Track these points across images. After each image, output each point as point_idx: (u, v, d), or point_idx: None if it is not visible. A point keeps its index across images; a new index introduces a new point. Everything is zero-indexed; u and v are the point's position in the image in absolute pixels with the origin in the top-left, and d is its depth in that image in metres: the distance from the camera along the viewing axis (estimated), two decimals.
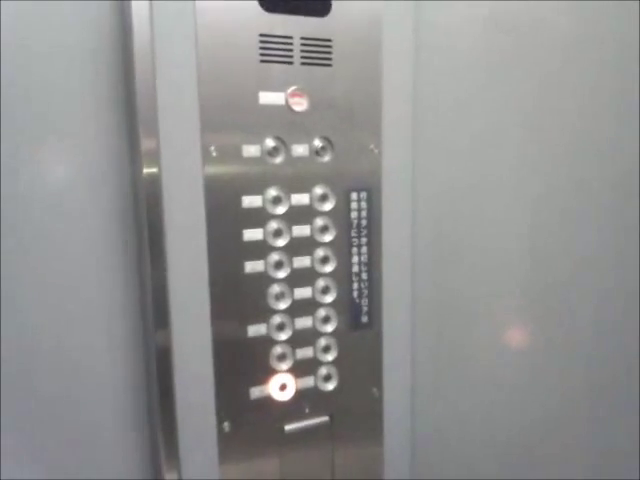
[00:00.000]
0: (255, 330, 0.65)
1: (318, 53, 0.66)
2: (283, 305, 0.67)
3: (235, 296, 0.64)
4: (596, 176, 0.71)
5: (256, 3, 0.62)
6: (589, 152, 0.72)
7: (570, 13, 0.71)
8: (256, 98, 0.63)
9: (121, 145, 0.60)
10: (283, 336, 0.67)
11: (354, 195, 0.70)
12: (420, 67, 0.72)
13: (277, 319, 0.66)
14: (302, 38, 0.64)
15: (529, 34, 0.71)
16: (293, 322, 0.67)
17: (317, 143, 0.67)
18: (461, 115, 0.74)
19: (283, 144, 0.65)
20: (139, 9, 0.55)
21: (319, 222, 0.68)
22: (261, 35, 0.62)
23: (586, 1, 0.71)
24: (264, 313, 0.66)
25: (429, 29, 0.72)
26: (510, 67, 0.72)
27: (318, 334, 0.69)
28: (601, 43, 0.71)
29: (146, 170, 0.57)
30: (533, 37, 0.71)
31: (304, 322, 0.68)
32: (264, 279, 0.65)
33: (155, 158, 0.58)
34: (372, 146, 0.70)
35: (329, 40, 0.66)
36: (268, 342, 0.66)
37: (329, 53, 0.66)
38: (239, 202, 0.63)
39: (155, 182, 0.58)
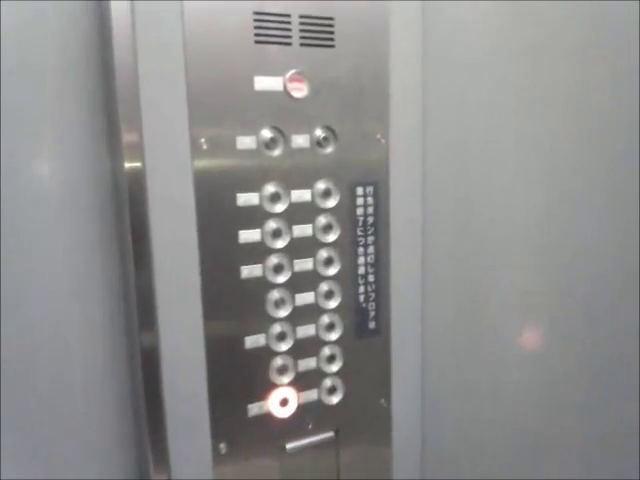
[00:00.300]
0: (253, 340, 0.61)
1: (319, 33, 0.61)
2: (283, 312, 0.62)
3: (230, 304, 0.60)
4: (603, 151, 0.67)
5: None
6: (596, 127, 0.68)
7: None
8: (251, 84, 0.58)
9: (102, 138, 0.55)
10: (284, 346, 0.63)
11: (360, 190, 0.66)
12: (428, 46, 0.68)
13: (277, 328, 0.62)
14: (301, 16, 0.60)
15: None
16: (294, 331, 0.63)
17: (319, 133, 0.62)
18: (472, 98, 0.70)
19: (281, 134, 0.60)
20: None
21: (322, 220, 0.64)
22: (255, 13, 0.57)
23: None
24: (263, 321, 0.61)
25: (437, 3, 0.67)
26: (522, 38, 0.67)
27: (322, 343, 0.65)
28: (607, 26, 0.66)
29: (128, 164, 0.53)
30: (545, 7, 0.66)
31: (306, 330, 0.64)
32: (262, 284, 0.61)
33: (138, 152, 0.53)
34: (379, 135, 0.66)
35: (331, 18, 0.61)
36: (267, 353, 0.62)
37: (331, 32, 0.61)
38: (234, 200, 0.59)
39: (139, 178, 0.54)
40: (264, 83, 0.59)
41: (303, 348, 0.64)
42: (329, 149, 0.63)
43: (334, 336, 0.65)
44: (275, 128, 0.60)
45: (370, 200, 0.66)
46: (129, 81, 0.52)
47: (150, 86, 0.53)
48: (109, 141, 0.55)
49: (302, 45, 0.60)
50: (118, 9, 0.50)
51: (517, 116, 0.67)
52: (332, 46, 0.62)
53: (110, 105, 0.54)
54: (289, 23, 0.59)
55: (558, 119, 0.63)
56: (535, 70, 0.63)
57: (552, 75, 0.63)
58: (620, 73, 0.59)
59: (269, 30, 0.58)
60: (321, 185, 0.63)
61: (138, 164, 0.53)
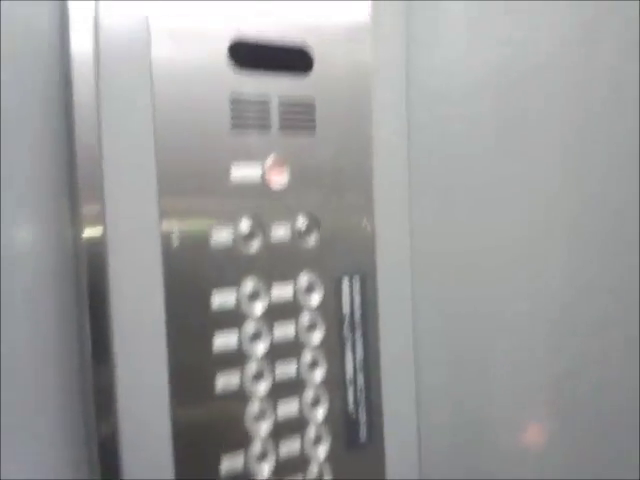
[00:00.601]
0: (230, 463, 0.54)
1: (299, 115, 0.58)
2: (264, 427, 0.56)
3: (204, 419, 0.53)
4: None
5: (226, 57, 0.54)
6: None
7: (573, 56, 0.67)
8: (228, 171, 0.54)
9: (64, 233, 0.50)
10: (266, 468, 0.56)
11: (345, 282, 0.61)
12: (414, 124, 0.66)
13: (257, 446, 0.55)
14: (280, 99, 0.57)
15: (534, 88, 0.66)
16: (277, 448, 0.56)
17: (300, 222, 0.59)
18: (461, 178, 0.68)
19: (260, 226, 0.56)
20: (82, 57, 0.46)
21: (305, 318, 0.59)
22: (232, 96, 0.54)
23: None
24: (241, 439, 0.55)
25: (423, 84, 0.66)
26: (517, 124, 0.67)
27: (308, 460, 0.58)
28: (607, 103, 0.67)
29: (89, 259, 0.47)
30: (538, 90, 0.66)
31: (291, 446, 0.57)
32: (240, 396, 0.55)
33: (101, 250, 0.48)
34: (364, 222, 0.63)
35: (311, 102, 0.59)
36: (247, 477, 0.55)
37: (312, 116, 0.59)
38: (208, 299, 0.53)
39: (101, 282, 0.48)
40: (241, 170, 0.55)
41: (288, 468, 0.57)
42: (311, 239, 0.59)
43: (321, 450, 0.59)
44: (253, 219, 0.56)
45: (357, 293, 0.62)
46: (92, 169, 0.47)
47: (115, 175, 0.49)
48: (71, 241, 0.50)
49: (281, 130, 0.57)
50: (81, 88, 0.46)
51: (520, 200, 0.65)
52: (313, 130, 0.59)
53: (72, 199, 0.49)
54: (268, 106, 0.56)
55: (564, 215, 0.61)
56: (541, 156, 0.62)
57: (569, 155, 0.62)
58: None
59: (247, 113, 0.55)
60: (304, 278, 0.59)
61: (100, 264, 0.48)
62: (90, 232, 0.48)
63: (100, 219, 0.48)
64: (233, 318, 0.54)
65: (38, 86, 0.49)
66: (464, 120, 0.65)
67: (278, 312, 0.56)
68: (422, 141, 0.66)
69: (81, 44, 0.47)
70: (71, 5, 0.46)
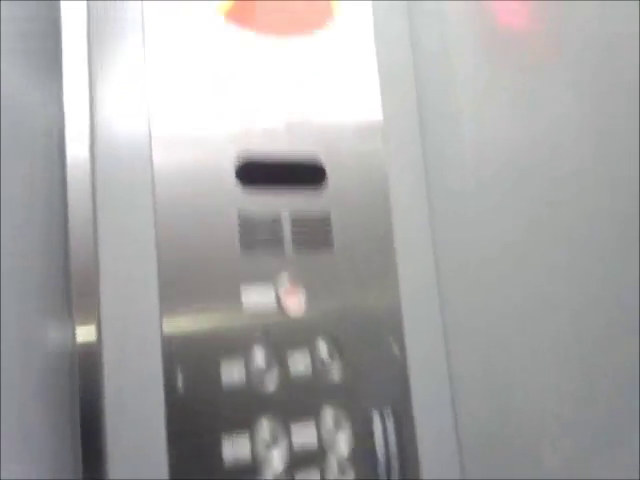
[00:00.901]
0: None
1: (314, 231, 0.54)
2: None
3: None
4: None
5: (232, 176, 0.51)
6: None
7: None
8: (238, 295, 0.50)
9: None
10: None
11: (376, 416, 0.54)
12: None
13: None
14: (292, 215, 0.53)
15: (545, 175, 0.62)
16: None
17: (321, 350, 0.53)
18: (489, 276, 0.62)
19: (276, 357, 0.50)
20: (77, 161, 0.45)
21: (333, 464, 0.51)
22: (241, 214, 0.51)
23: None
24: None
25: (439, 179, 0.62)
26: (537, 208, 0.62)
27: None
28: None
29: (84, 407, 0.42)
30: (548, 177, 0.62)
31: None
32: None
33: (96, 400, 0.42)
34: (393, 345, 0.56)
35: (327, 215, 0.55)
36: None
37: (328, 231, 0.55)
38: (219, 449, 0.47)
39: (98, 434, 0.42)
40: (253, 295, 0.50)
41: None
42: (334, 368, 0.53)
43: None
44: (268, 348, 0.50)
45: (390, 427, 0.54)
46: (87, 283, 0.44)
47: (112, 291, 0.45)
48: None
49: (295, 247, 0.53)
50: (76, 194, 0.44)
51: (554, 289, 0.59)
52: (330, 245, 0.54)
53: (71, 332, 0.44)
54: (280, 225, 0.52)
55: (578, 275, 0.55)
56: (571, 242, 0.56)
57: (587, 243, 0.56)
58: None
59: (257, 233, 0.51)
60: (328, 415, 0.52)
61: (97, 417, 0.42)
62: (86, 354, 0.44)
63: (97, 344, 0.44)
64: (248, 469, 0.47)
65: (39, 203, 0.47)
66: (484, 216, 0.60)
67: (299, 457, 0.49)
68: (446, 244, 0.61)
69: (76, 147, 0.45)
70: (67, 109, 0.46)
